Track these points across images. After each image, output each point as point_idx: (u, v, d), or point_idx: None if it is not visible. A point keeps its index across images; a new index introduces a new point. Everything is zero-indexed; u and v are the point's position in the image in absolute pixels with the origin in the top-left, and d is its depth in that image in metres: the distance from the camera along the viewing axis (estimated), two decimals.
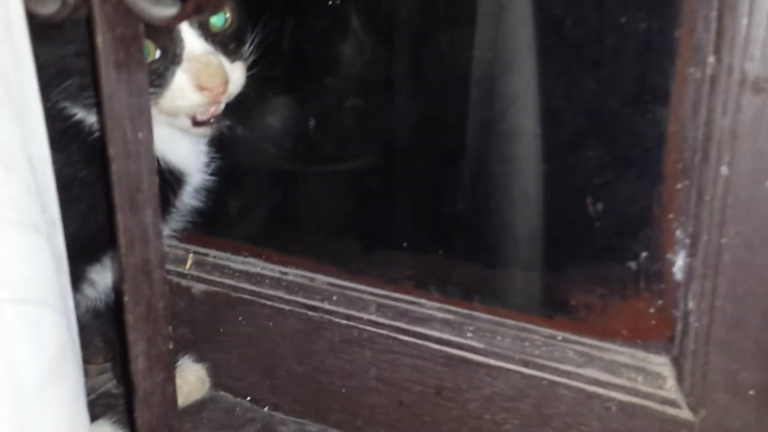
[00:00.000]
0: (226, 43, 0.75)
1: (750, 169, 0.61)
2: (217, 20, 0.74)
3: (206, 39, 0.72)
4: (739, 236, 0.63)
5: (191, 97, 0.72)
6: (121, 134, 0.62)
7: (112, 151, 0.62)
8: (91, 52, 0.60)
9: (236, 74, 0.75)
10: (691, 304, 0.68)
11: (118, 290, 0.75)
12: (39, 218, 0.50)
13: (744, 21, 0.58)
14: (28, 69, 0.51)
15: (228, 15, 0.75)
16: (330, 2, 0.85)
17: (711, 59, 0.61)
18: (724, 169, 0.62)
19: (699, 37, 0.62)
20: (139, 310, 0.68)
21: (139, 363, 0.69)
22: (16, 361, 0.49)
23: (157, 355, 0.70)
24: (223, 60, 0.73)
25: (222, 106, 0.75)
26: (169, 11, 0.58)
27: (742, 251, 0.63)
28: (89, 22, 0.59)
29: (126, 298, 0.67)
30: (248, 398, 0.96)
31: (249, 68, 0.77)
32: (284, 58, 0.90)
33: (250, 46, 0.78)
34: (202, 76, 0.71)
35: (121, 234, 0.65)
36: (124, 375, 0.89)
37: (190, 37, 0.72)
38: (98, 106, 0.62)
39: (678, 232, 0.68)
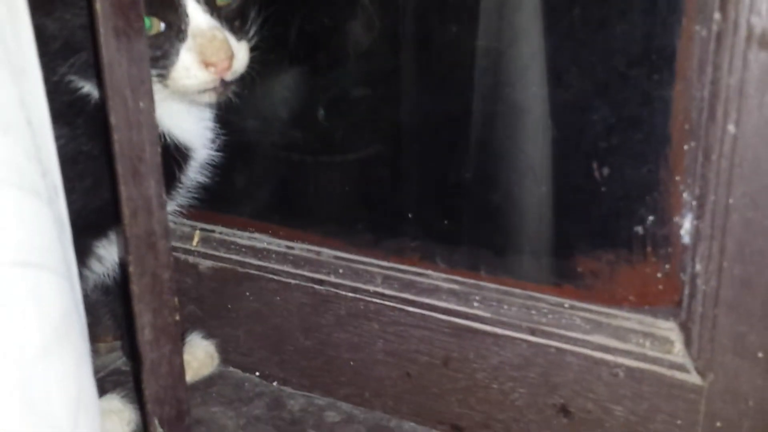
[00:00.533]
0: (232, 18, 0.75)
1: (757, 127, 0.60)
2: None
3: (211, 14, 0.72)
4: (746, 196, 0.62)
5: (197, 75, 0.73)
6: (122, 103, 0.63)
7: (114, 120, 0.63)
8: (89, 19, 0.60)
9: (241, 52, 0.75)
10: (698, 267, 0.67)
11: (123, 262, 0.75)
12: (39, 182, 0.50)
13: None
14: (26, 31, 0.51)
15: None
16: None
17: (717, 15, 0.61)
18: (731, 128, 0.61)
19: None
20: (145, 281, 0.68)
21: (145, 334, 0.70)
22: (20, 324, 0.49)
23: (163, 326, 0.70)
24: (228, 36, 0.73)
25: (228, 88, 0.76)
26: None
27: (750, 211, 0.62)
28: None
29: (131, 269, 0.67)
30: (257, 373, 0.97)
31: (252, 49, 0.77)
32: (290, 41, 0.90)
33: (253, 25, 0.78)
34: (207, 51, 0.71)
35: (124, 204, 0.65)
36: (131, 347, 0.90)
37: (195, 11, 0.72)
38: (98, 74, 0.62)
39: (685, 195, 0.67)
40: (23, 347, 0.50)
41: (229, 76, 0.74)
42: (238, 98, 0.79)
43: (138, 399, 0.84)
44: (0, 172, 0.47)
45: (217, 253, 0.96)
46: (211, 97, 0.76)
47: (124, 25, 0.61)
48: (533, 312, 0.77)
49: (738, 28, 0.59)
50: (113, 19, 0.60)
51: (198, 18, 0.71)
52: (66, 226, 0.56)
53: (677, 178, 0.68)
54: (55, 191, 0.54)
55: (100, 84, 0.63)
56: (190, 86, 0.73)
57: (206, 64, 0.71)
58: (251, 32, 0.77)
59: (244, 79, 0.76)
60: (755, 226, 0.62)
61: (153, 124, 0.65)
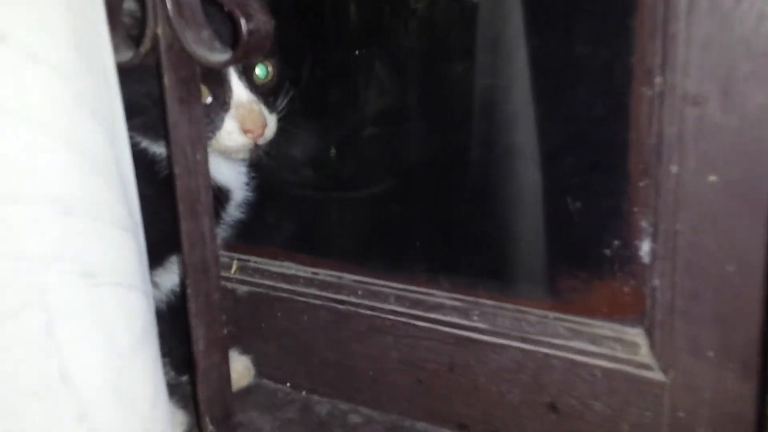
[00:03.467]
0: (267, 94, 0.89)
1: (694, 168, 0.72)
2: (261, 72, 0.88)
3: (251, 90, 0.86)
4: (689, 223, 0.74)
5: (238, 139, 0.86)
6: (183, 156, 0.76)
7: (177, 170, 0.76)
8: (159, 90, 0.74)
9: (272, 122, 0.88)
10: (656, 282, 0.79)
11: (182, 285, 0.88)
12: (128, 220, 0.65)
13: (682, 48, 0.70)
14: (118, 106, 0.66)
15: (270, 69, 0.89)
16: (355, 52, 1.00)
17: (659, 79, 0.74)
18: (673, 168, 0.74)
19: (649, 61, 0.75)
20: (199, 300, 0.81)
21: (200, 345, 0.81)
22: (114, 330, 0.63)
23: (213, 339, 0.82)
24: (263, 109, 0.87)
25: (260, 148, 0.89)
26: (224, 56, 0.72)
27: (693, 236, 0.74)
28: (158, 66, 0.73)
29: (189, 291, 0.80)
30: (287, 384, 1.09)
31: (279, 119, 0.90)
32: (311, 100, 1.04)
33: (283, 100, 0.91)
34: (247, 121, 0.85)
35: (184, 238, 0.78)
36: (184, 358, 1.03)
37: (237, 86, 0.86)
38: (165, 134, 0.76)
39: (643, 222, 0.80)
40: (115, 348, 0.64)
41: (261, 141, 0.87)
42: (267, 155, 0.92)
43: (192, 399, 0.96)
44: (102, 214, 0.61)
45: (252, 280, 1.09)
46: (245, 155, 0.90)
47: (186, 94, 0.75)
48: (523, 323, 0.89)
49: (675, 89, 0.72)
50: (178, 90, 0.74)
51: (240, 92, 0.85)
52: (145, 254, 0.70)
53: (636, 209, 0.80)
54: (137, 225, 0.68)
55: (166, 140, 0.77)
56: (230, 147, 0.87)
57: (245, 131, 0.85)
58: (280, 107, 0.90)
59: (271, 142, 0.89)
60: (698, 247, 0.74)
61: (207, 172, 0.78)
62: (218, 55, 0.72)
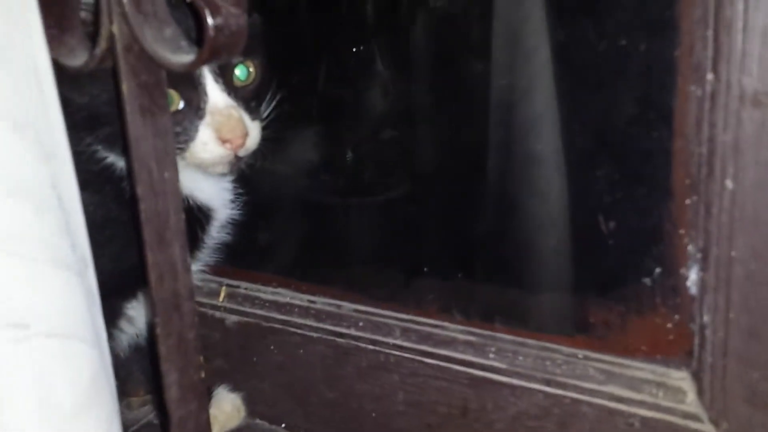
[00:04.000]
0: (248, 99, 0.79)
1: (754, 182, 0.62)
2: (241, 73, 0.78)
3: (229, 93, 0.77)
4: (748, 248, 0.64)
5: (214, 150, 0.77)
6: (147, 174, 0.66)
7: (140, 190, 0.66)
8: (116, 99, 0.65)
9: (254, 131, 0.79)
10: (706, 318, 0.69)
11: (150, 323, 0.79)
12: (70, 256, 0.54)
13: (739, 38, 0.60)
14: (55, 115, 0.55)
15: (252, 70, 0.79)
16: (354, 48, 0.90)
17: (710, 76, 0.63)
18: (728, 183, 0.63)
19: (698, 55, 0.64)
20: (171, 341, 0.71)
21: (172, 392, 0.72)
22: (52, 390, 0.53)
23: (189, 384, 0.73)
24: (244, 115, 0.77)
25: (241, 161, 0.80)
26: (188, 57, 0.62)
27: (753, 263, 0.64)
28: (114, 70, 0.63)
29: (158, 330, 0.70)
30: (283, 425, 1.00)
31: (264, 128, 0.81)
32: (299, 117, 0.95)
33: (267, 107, 0.82)
34: (224, 129, 0.75)
35: (150, 270, 0.68)
36: (159, 404, 0.93)
37: (213, 90, 0.76)
38: (125, 148, 0.66)
39: (690, 247, 0.69)
40: (55, 410, 0.54)
41: (242, 153, 0.78)
42: (250, 169, 0.83)
43: None
44: (34, 250, 0.50)
45: (242, 308, 1.00)
46: (224, 170, 0.80)
47: (149, 103, 0.65)
48: (548, 363, 0.79)
49: (731, 87, 0.61)
50: (139, 97, 0.64)
51: (216, 97, 0.76)
52: (95, 296, 0.59)
53: (681, 231, 0.69)
54: (84, 263, 0.58)
55: (127, 157, 0.67)
56: (207, 160, 0.77)
57: (222, 141, 0.75)
58: (265, 113, 0.81)
59: (255, 153, 0.80)
60: (758, 277, 0.64)
61: (177, 192, 0.68)
62: (182, 56, 0.62)
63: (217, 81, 0.76)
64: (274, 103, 0.82)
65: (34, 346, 0.52)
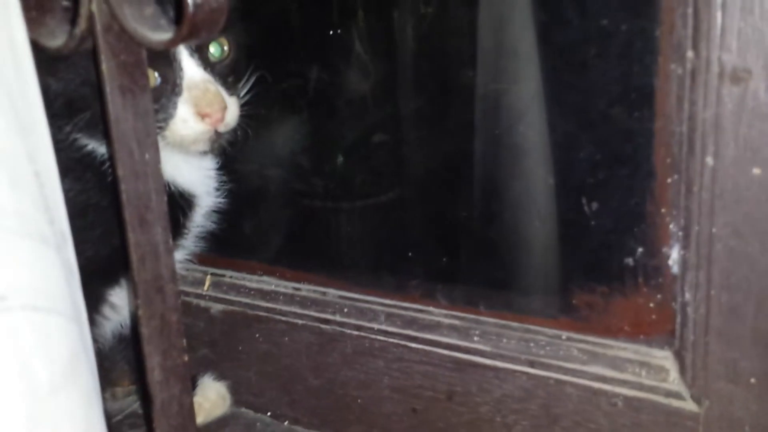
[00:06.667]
0: (224, 74, 0.79)
1: (734, 158, 0.62)
2: (215, 50, 0.79)
3: (205, 68, 0.77)
4: (728, 225, 0.64)
5: (194, 126, 0.77)
6: (128, 155, 0.66)
7: (121, 172, 0.66)
8: (96, 79, 0.64)
9: (233, 106, 0.79)
10: (688, 296, 0.69)
11: (134, 310, 0.78)
12: (47, 230, 0.54)
13: (719, 14, 0.60)
14: (33, 88, 0.55)
15: (226, 47, 0.79)
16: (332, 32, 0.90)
17: (690, 54, 0.64)
18: (709, 160, 0.63)
19: (678, 33, 0.64)
20: (153, 323, 0.71)
21: (155, 375, 0.71)
22: (30, 366, 0.52)
23: (172, 367, 0.72)
24: (221, 90, 0.77)
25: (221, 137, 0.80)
26: (166, 35, 0.61)
27: (733, 240, 0.64)
28: (94, 50, 0.63)
29: (140, 312, 0.70)
30: (268, 413, 0.99)
31: (242, 105, 0.81)
32: (282, 94, 0.94)
33: (244, 85, 0.82)
34: (202, 102, 0.76)
35: (132, 251, 0.68)
36: (143, 394, 0.92)
37: (189, 65, 0.76)
38: (105, 130, 0.66)
39: (671, 226, 0.69)
40: (31, 386, 0.53)
41: (222, 128, 0.78)
42: (232, 147, 0.83)
43: None
44: (9, 223, 0.50)
45: (227, 297, 0.99)
46: (205, 147, 0.80)
47: (130, 83, 0.65)
48: (531, 344, 0.79)
49: (710, 65, 0.62)
50: (119, 78, 0.64)
51: (192, 72, 0.76)
52: (74, 272, 0.59)
53: (663, 210, 0.70)
54: (63, 238, 0.57)
55: (107, 138, 0.66)
56: (187, 136, 0.77)
57: (202, 116, 0.75)
58: (243, 89, 0.81)
59: (236, 132, 0.80)
60: (738, 254, 0.64)
61: (159, 174, 0.68)
62: (161, 34, 0.61)
63: (192, 56, 0.76)
64: (252, 80, 0.82)
65: (11, 318, 0.51)
